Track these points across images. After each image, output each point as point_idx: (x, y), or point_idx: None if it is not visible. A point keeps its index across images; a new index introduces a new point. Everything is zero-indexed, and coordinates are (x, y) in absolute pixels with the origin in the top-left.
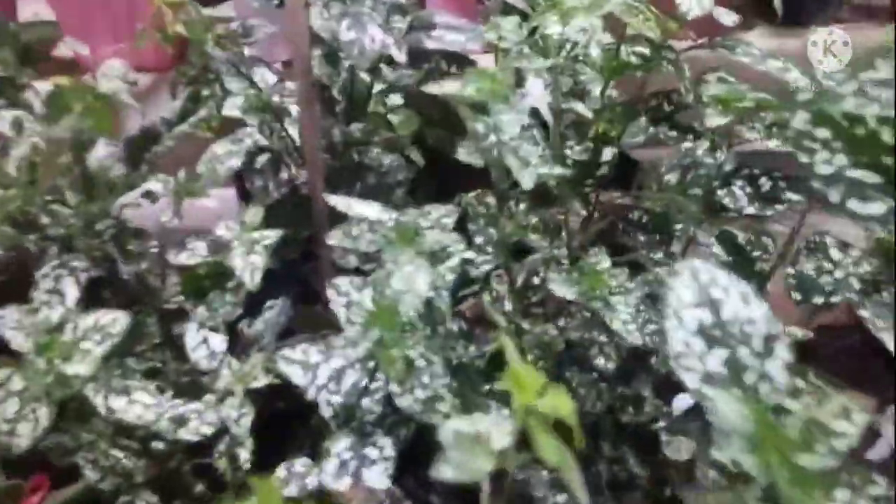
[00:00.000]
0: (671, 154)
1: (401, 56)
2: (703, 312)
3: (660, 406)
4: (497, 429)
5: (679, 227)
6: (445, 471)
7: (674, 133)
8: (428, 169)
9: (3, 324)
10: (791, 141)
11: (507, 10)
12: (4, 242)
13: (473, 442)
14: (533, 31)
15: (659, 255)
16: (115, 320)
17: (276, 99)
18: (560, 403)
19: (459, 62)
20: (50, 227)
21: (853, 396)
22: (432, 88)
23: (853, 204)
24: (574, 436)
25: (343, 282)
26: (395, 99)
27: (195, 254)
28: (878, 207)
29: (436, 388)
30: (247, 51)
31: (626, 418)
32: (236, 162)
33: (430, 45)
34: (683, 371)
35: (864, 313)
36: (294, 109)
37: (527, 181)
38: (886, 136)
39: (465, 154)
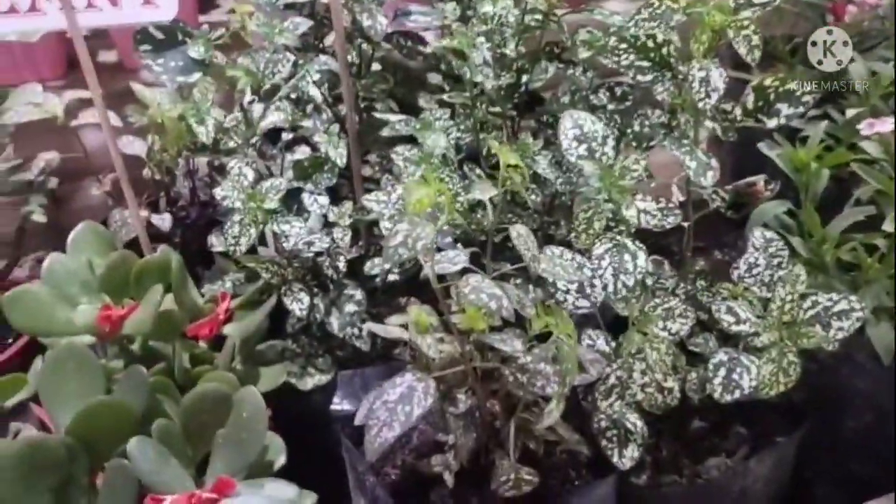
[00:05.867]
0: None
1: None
2: (576, 129)
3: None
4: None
5: None
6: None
7: (562, 66)
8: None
9: (219, 192)
10: (611, 51)
11: None
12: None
13: None
14: (464, 12)
15: None
16: (280, 182)
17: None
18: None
19: (412, 38)
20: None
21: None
22: (445, 43)
23: (638, 78)
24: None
25: (401, 148)
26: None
27: (302, 152)
28: (649, 77)
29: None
30: None
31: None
32: None
33: (409, 25)
34: (568, 155)
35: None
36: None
37: (489, 86)
38: (650, 43)
39: (423, 102)
